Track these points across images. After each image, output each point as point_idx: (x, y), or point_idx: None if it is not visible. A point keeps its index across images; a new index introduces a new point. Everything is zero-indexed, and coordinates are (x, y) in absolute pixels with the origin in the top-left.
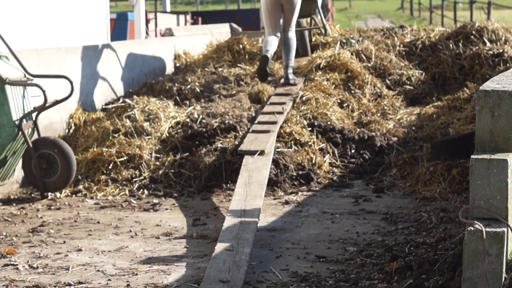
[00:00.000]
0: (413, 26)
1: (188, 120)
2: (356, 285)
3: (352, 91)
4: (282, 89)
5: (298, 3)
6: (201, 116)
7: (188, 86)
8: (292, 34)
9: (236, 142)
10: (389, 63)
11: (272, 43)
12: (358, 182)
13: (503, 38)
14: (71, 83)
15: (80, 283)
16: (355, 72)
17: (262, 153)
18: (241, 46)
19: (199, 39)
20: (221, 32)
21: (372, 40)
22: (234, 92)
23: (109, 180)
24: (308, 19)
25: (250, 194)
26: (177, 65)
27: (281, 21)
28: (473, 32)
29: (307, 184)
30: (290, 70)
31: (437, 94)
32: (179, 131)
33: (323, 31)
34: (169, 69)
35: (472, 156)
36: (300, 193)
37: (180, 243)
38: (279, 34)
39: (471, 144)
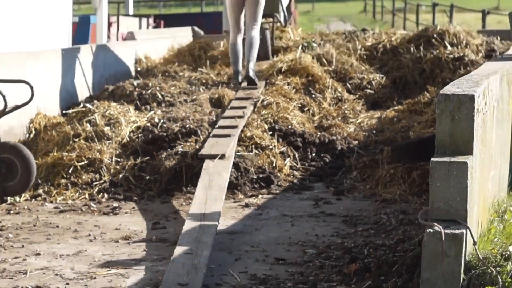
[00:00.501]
0: (375, 30)
1: (148, 124)
2: (315, 287)
3: (313, 95)
4: (243, 93)
5: (262, 3)
6: (161, 121)
7: (149, 91)
8: (255, 33)
9: (197, 146)
10: (350, 67)
11: (238, 56)
12: (319, 185)
13: (464, 42)
14: (32, 88)
15: (38, 287)
16: (316, 76)
17: (222, 157)
18: (202, 50)
19: (161, 43)
20: (183, 36)
21: (333, 43)
22: (195, 96)
23: (69, 184)
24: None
25: (210, 197)
26: (138, 69)
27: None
28: (435, 35)
29: (267, 187)
30: (251, 66)
31: (397, 98)
32: (139, 135)
33: (282, 22)
34: (130, 73)
35: (433, 159)
36: (260, 196)
37: (140, 247)
38: (242, 34)
39: (431, 147)
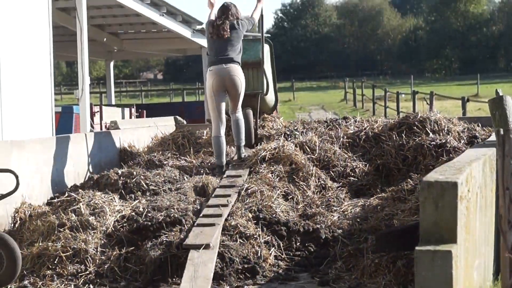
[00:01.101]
0: (356, 118)
1: (133, 213)
2: None
3: (297, 183)
4: (227, 181)
5: (242, 89)
6: (146, 210)
7: (134, 180)
8: (239, 115)
9: (182, 236)
10: (333, 154)
11: (222, 150)
12: (304, 275)
13: (446, 129)
14: (17, 177)
15: None
16: (299, 164)
17: (207, 246)
18: (185, 139)
19: (144, 132)
20: (166, 125)
21: (316, 131)
22: (179, 185)
23: (54, 275)
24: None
25: None
26: (123, 158)
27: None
28: (416, 122)
29: (252, 278)
30: (242, 150)
31: (381, 186)
32: (124, 225)
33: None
34: (115, 162)
35: (417, 248)
36: (246, 287)
37: None
38: (225, 125)
39: (416, 235)
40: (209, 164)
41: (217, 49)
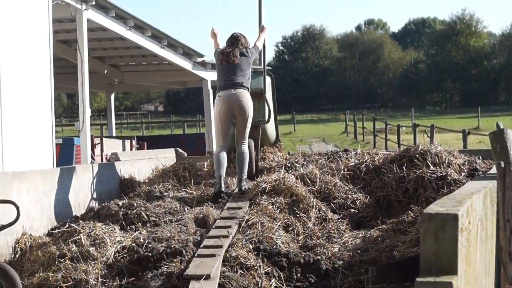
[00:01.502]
0: (357, 150)
1: (134, 244)
2: None
3: (297, 215)
4: (228, 213)
5: (250, 115)
6: (147, 241)
7: (134, 211)
8: (245, 148)
9: (182, 267)
10: (333, 186)
11: (222, 164)
12: None
13: (447, 161)
14: (17, 208)
15: None
16: (300, 196)
17: (208, 277)
18: (186, 171)
19: (145, 164)
20: (166, 157)
21: (316, 164)
22: (180, 216)
23: None
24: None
25: None
26: (123, 189)
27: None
28: (417, 155)
29: None
30: (243, 183)
31: (381, 217)
32: (125, 255)
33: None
34: (115, 193)
35: (417, 279)
36: None
37: None
38: (227, 147)
39: (416, 267)
40: (210, 196)
41: (227, 74)
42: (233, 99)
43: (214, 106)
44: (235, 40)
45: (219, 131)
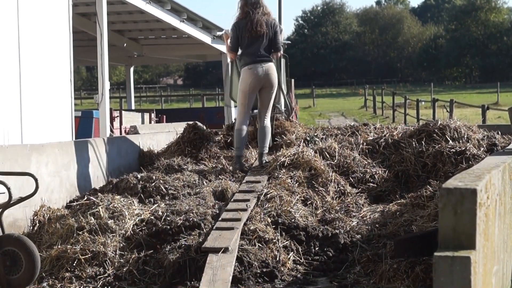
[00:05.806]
0: (376, 124)
1: (152, 217)
2: None
3: (316, 189)
4: (246, 186)
5: (275, 86)
6: (165, 214)
7: (153, 184)
8: (267, 122)
9: (200, 240)
10: (352, 161)
11: (244, 142)
12: (322, 280)
13: (465, 136)
14: (36, 180)
15: None
16: (319, 170)
17: (226, 250)
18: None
19: (163, 137)
20: None
21: (335, 138)
22: (198, 189)
23: (73, 278)
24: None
25: None
26: (142, 162)
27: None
28: (436, 130)
29: (271, 282)
30: (264, 157)
31: (400, 192)
32: (143, 228)
33: (283, 111)
34: (134, 167)
35: (435, 253)
36: None
37: None
38: (248, 118)
39: (434, 241)
40: (229, 169)
41: (257, 47)
42: (263, 72)
43: (240, 76)
44: (257, 4)
45: (245, 102)
